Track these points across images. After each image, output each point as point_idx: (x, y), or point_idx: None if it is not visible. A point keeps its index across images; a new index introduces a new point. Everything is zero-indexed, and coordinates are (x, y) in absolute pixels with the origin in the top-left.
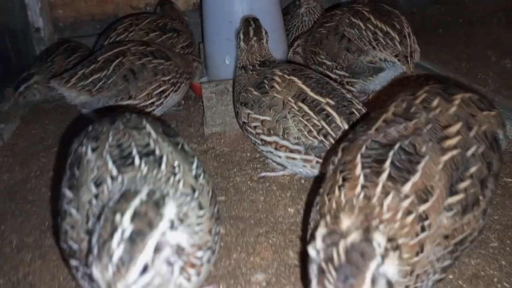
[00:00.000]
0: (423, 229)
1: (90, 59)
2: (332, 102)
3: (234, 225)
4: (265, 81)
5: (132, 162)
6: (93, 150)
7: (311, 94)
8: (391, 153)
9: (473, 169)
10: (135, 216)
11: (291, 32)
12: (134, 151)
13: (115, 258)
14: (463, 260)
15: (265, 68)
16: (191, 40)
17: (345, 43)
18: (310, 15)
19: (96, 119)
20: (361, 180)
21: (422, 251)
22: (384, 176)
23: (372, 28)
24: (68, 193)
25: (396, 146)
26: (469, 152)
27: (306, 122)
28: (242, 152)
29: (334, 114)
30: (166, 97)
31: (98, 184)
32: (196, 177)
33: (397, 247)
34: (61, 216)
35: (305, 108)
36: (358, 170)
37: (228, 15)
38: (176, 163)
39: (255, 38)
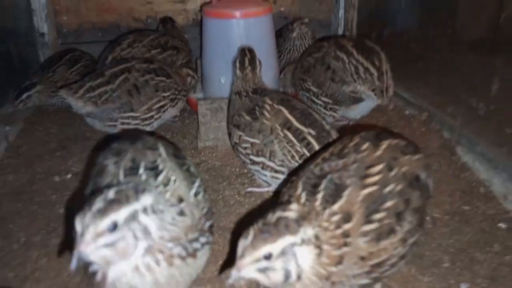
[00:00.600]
0: (345, 244)
1: (98, 73)
2: (313, 132)
3: (222, 235)
4: (257, 108)
5: (137, 172)
6: (114, 163)
7: (296, 123)
8: (323, 181)
9: (389, 204)
10: (118, 191)
11: (283, 54)
12: (142, 165)
13: (94, 208)
14: (417, 277)
15: (257, 95)
16: (189, 58)
17: (330, 73)
18: (302, 40)
19: (119, 137)
20: (303, 197)
21: (341, 263)
22: (320, 196)
23: (354, 63)
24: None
25: (328, 177)
26: (387, 189)
27: (290, 148)
28: (231, 167)
29: (314, 142)
30: (164, 111)
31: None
32: (196, 194)
33: (319, 248)
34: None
35: (290, 135)
36: (299, 191)
37: (226, 39)
38: (173, 178)
39: (249, 68)
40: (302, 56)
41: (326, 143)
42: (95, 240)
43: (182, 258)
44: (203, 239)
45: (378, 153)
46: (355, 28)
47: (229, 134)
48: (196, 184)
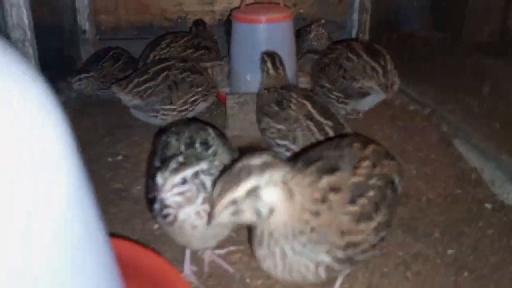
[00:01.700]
0: (325, 200)
1: (143, 70)
2: (330, 124)
3: None
4: (284, 100)
5: (193, 146)
6: (176, 139)
7: (316, 116)
8: (321, 160)
9: (371, 193)
10: (186, 157)
11: (301, 54)
12: (197, 141)
13: (170, 168)
14: (411, 244)
15: (284, 91)
16: (219, 57)
17: (342, 72)
18: (318, 41)
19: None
20: (299, 163)
21: (317, 217)
22: (314, 166)
23: (363, 63)
24: (158, 164)
25: (326, 158)
26: (371, 182)
27: (310, 135)
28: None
29: (331, 132)
30: (197, 105)
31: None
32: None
33: (289, 192)
34: (152, 180)
35: (311, 125)
36: (297, 163)
37: (252, 41)
38: (219, 151)
39: (281, 68)
40: (320, 55)
41: (340, 133)
42: (171, 190)
43: None
44: None
45: (366, 152)
46: (367, 30)
47: (258, 121)
48: (235, 156)
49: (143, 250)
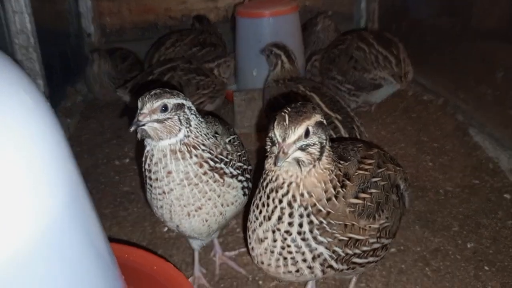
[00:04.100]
0: (343, 185)
1: (148, 72)
2: (339, 117)
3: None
4: (291, 93)
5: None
6: None
7: (325, 109)
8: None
9: (373, 191)
10: (174, 89)
11: (308, 46)
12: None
13: (152, 93)
14: (429, 238)
15: (292, 82)
16: (225, 52)
17: (353, 62)
18: (325, 33)
19: None
20: None
21: (336, 200)
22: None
23: (375, 53)
24: None
25: (332, 148)
26: (374, 179)
27: None
28: (265, 152)
29: (340, 126)
30: (203, 107)
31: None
32: (230, 141)
33: (331, 151)
34: None
35: None
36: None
37: (258, 36)
38: (218, 124)
39: (296, 61)
40: (328, 47)
41: (350, 127)
42: (150, 114)
43: (211, 169)
44: (231, 170)
45: (371, 152)
46: (376, 19)
47: (266, 116)
48: (232, 137)
49: (150, 255)
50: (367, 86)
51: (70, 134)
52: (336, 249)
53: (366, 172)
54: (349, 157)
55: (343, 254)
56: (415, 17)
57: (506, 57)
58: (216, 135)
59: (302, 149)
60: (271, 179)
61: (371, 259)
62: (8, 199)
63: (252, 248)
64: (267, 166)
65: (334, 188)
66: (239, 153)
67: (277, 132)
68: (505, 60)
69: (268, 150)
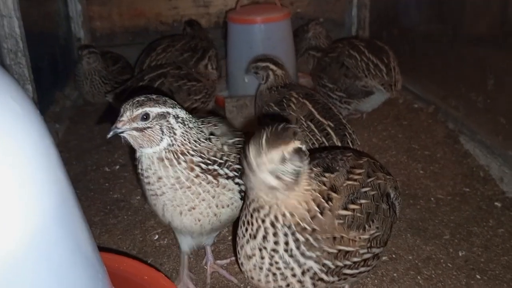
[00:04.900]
0: (328, 199)
1: (138, 78)
2: (332, 125)
3: None
4: (284, 100)
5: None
6: None
7: (317, 116)
8: (317, 159)
9: (363, 201)
10: (160, 96)
11: (299, 53)
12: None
13: (135, 100)
14: (421, 246)
15: (284, 89)
16: (210, 54)
17: (344, 70)
18: (317, 39)
19: None
20: None
21: (322, 216)
22: (315, 162)
23: (366, 60)
24: None
25: (322, 157)
26: (363, 190)
27: (311, 137)
28: None
29: (332, 133)
30: (196, 112)
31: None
32: (234, 141)
33: (308, 176)
34: None
35: (312, 126)
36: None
37: (249, 42)
38: (219, 124)
39: (283, 64)
40: (320, 55)
41: (342, 134)
42: (130, 122)
43: (203, 171)
44: (227, 171)
45: (360, 161)
46: (367, 26)
47: (258, 123)
48: (237, 139)
49: (140, 264)
50: (358, 93)
51: (59, 139)
52: (326, 262)
53: (355, 183)
54: (337, 168)
55: (333, 267)
56: (406, 24)
57: (497, 64)
58: (211, 136)
59: (277, 176)
60: (253, 199)
61: (362, 269)
62: None
63: (242, 264)
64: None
65: (318, 205)
66: (238, 156)
67: (251, 151)
68: (496, 67)
69: (242, 166)
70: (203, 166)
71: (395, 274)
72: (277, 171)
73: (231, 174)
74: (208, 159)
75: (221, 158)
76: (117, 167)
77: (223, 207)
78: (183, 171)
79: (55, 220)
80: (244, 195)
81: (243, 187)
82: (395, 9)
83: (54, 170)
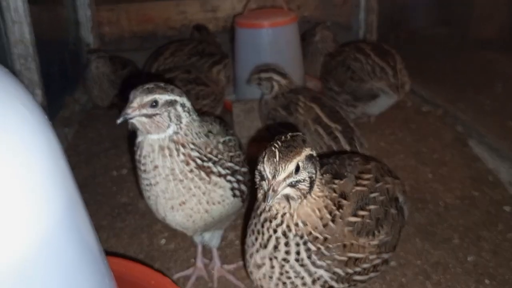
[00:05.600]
0: (339, 206)
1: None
2: (339, 128)
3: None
4: (291, 104)
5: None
6: None
7: (325, 119)
8: (326, 166)
9: (372, 207)
10: (168, 84)
11: (306, 57)
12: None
13: (144, 87)
14: (430, 251)
15: (291, 94)
16: (221, 58)
17: (349, 73)
18: (323, 43)
19: None
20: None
21: (333, 223)
22: (323, 169)
23: (371, 63)
24: None
25: (330, 162)
26: (372, 195)
27: (319, 140)
28: (252, 163)
29: (340, 136)
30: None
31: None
32: (225, 141)
33: (322, 178)
34: None
35: (320, 129)
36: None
37: (257, 46)
38: (215, 123)
39: (286, 73)
40: (327, 58)
41: (350, 137)
42: (139, 108)
43: (197, 167)
44: (220, 169)
45: (368, 166)
46: (375, 30)
47: (266, 127)
48: (229, 137)
49: (147, 269)
50: (364, 96)
51: (68, 143)
52: (336, 270)
53: (363, 188)
54: (345, 173)
55: (343, 274)
56: (414, 28)
57: (505, 67)
58: (209, 133)
59: (292, 185)
60: (264, 209)
61: (372, 274)
62: (3, 210)
63: (251, 272)
64: (259, 195)
65: (330, 212)
66: (231, 154)
67: (267, 168)
68: (505, 71)
69: (257, 182)
70: (199, 161)
71: (403, 279)
72: (294, 181)
73: (223, 172)
74: (205, 155)
75: (216, 156)
76: (125, 171)
77: (214, 204)
78: (179, 164)
79: (63, 225)
80: (237, 193)
81: (235, 185)
82: (402, 12)
83: (62, 174)
